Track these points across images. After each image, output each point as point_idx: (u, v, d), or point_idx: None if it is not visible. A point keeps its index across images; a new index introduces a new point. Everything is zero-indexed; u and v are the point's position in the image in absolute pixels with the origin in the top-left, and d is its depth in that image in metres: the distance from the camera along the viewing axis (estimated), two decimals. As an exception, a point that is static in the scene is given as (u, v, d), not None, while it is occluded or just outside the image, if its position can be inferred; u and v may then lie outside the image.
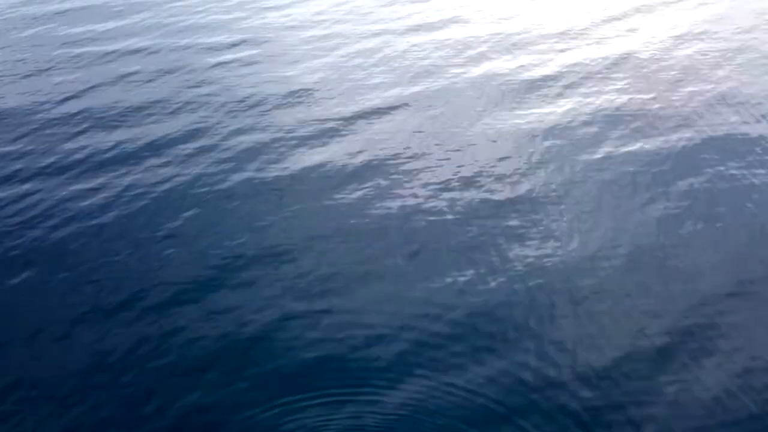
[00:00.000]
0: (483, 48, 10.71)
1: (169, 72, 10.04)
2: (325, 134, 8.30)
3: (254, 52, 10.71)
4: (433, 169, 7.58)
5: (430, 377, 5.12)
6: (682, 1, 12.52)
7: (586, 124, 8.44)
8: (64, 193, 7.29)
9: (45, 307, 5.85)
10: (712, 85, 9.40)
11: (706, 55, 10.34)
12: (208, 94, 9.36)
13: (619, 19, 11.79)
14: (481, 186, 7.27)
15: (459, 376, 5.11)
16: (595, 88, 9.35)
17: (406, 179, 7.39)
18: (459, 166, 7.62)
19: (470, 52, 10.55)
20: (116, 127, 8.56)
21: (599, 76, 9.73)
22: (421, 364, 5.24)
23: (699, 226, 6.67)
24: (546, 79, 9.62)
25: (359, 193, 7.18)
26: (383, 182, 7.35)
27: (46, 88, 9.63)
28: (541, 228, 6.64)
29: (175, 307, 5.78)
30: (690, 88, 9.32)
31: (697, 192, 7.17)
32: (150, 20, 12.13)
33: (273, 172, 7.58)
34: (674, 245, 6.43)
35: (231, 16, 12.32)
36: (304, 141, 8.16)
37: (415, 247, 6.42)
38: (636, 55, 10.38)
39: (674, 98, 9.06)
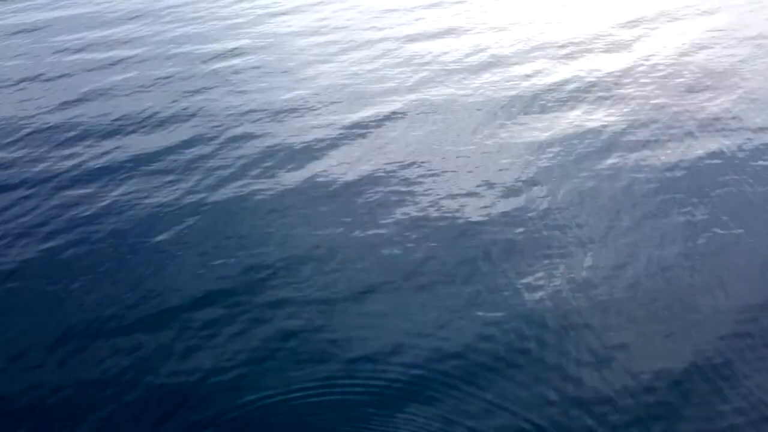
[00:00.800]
0: (487, 56, 10.58)
1: (165, 80, 9.92)
2: (325, 144, 8.12)
3: (253, 59, 10.60)
4: (436, 179, 7.37)
5: (436, 397, 4.89)
6: (691, 9, 12.45)
7: (596, 132, 8.24)
8: (55, 202, 7.10)
9: (31, 320, 5.63)
10: (727, 92, 9.23)
11: (722, 61, 10.19)
12: (204, 103, 9.20)
13: (628, 26, 11.68)
14: (487, 197, 7.06)
15: (467, 398, 4.87)
16: (606, 96, 9.17)
17: (408, 191, 7.18)
18: (464, 177, 7.42)
19: (475, 60, 10.42)
20: (111, 136, 8.40)
21: (610, 83, 9.57)
22: (428, 383, 5.01)
23: (720, 236, 6.42)
24: (553, 88, 9.44)
25: (360, 205, 6.97)
26: (385, 194, 7.14)
27: (39, 96, 9.49)
28: (551, 240, 6.40)
29: (168, 321, 5.57)
30: (705, 95, 9.15)
31: (716, 200, 6.93)
32: (147, 28, 12.05)
33: (272, 182, 7.39)
34: (694, 255, 6.18)
35: (230, 23, 12.25)
36: (303, 151, 7.97)
37: (418, 260, 6.18)
38: (648, 62, 10.22)
39: (689, 105, 8.88)
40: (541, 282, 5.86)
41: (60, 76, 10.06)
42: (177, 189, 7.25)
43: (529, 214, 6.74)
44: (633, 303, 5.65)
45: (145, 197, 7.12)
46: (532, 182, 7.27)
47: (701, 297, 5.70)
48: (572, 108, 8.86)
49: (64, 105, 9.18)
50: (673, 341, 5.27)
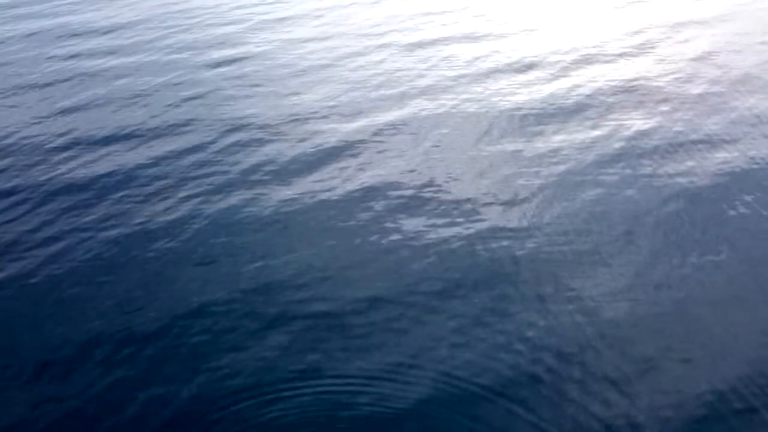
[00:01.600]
0: (492, 63, 10.42)
1: (161, 88, 9.79)
2: (327, 153, 7.90)
3: (252, 67, 10.49)
4: (441, 190, 7.13)
5: (448, 414, 4.63)
6: (708, 14, 12.40)
7: (606, 146, 7.94)
8: (46, 212, 6.91)
9: (20, 333, 5.41)
10: (747, 99, 9.03)
11: (739, 67, 10.04)
12: (201, 111, 9.04)
13: (642, 33, 11.60)
14: (495, 207, 6.79)
15: (483, 415, 4.60)
16: (616, 109, 8.91)
17: (412, 201, 6.95)
18: (470, 187, 7.17)
19: (478, 68, 10.27)
20: (104, 145, 8.22)
21: (621, 95, 9.32)
22: (439, 400, 4.73)
23: (739, 250, 6.12)
24: (562, 96, 9.24)
25: (362, 215, 6.74)
26: (388, 204, 6.91)
27: (30, 105, 9.38)
28: (562, 253, 6.12)
29: (164, 334, 5.34)
30: (722, 102, 8.98)
31: (736, 211, 6.67)
32: (141, 35, 11.99)
33: (271, 191, 7.17)
34: (711, 271, 5.89)
35: (227, 31, 12.21)
36: (305, 160, 7.76)
37: (424, 272, 5.92)
38: (664, 69, 10.07)
39: (705, 113, 8.67)
40: (553, 297, 5.60)
41: (53, 85, 9.97)
42: (173, 199, 7.07)
43: (539, 226, 6.50)
44: (651, 321, 5.35)
45: (139, 208, 6.93)
46: (541, 193, 7.03)
47: (723, 316, 5.40)
48: (582, 117, 8.65)
49: (57, 114, 9.05)
50: (694, 362, 4.99)
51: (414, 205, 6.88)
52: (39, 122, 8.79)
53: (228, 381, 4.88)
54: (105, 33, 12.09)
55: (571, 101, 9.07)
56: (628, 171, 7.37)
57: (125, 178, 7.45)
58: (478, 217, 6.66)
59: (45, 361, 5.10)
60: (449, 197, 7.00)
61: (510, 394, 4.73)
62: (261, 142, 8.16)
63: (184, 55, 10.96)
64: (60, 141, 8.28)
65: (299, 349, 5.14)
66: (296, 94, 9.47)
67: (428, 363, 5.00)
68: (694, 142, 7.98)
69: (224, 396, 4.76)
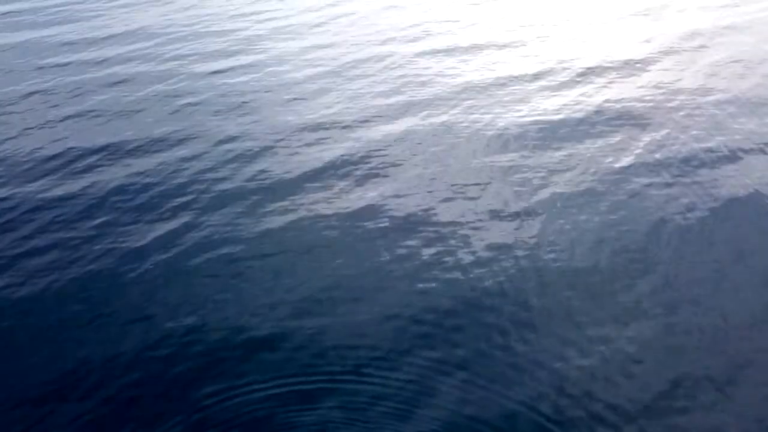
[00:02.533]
0: (498, 74, 10.35)
1: (154, 100, 9.70)
2: (324, 168, 7.76)
3: (247, 79, 10.41)
4: (444, 207, 6.97)
5: None
6: (719, 27, 12.31)
7: (617, 159, 7.81)
8: (33, 228, 6.78)
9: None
10: (763, 112, 8.92)
11: (753, 81, 9.93)
12: (199, 123, 8.95)
13: (652, 46, 11.54)
14: (500, 228, 6.61)
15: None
16: (628, 120, 8.80)
17: (414, 220, 6.79)
18: (473, 205, 6.99)
19: (483, 79, 10.19)
20: (94, 158, 8.09)
21: (635, 108, 9.18)
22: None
23: (759, 273, 5.92)
24: (565, 112, 9.07)
25: (362, 235, 6.58)
26: (389, 223, 6.75)
27: (22, 116, 9.30)
28: (570, 276, 5.93)
29: (161, 351, 5.19)
30: (738, 116, 8.84)
31: (757, 235, 6.44)
32: (132, 47, 11.93)
33: (267, 209, 7.00)
34: (730, 301, 5.66)
35: (225, 42, 12.15)
36: (301, 176, 7.60)
37: (429, 298, 5.73)
38: (673, 84, 9.94)
39: (721, 129, 8.53)
40: (566, 315, 5.44)
41: (43, 95, 9.91)
42: (165, 213, 6.95)
43: (548, 242, 6.35)
44: (670, 342, 5.16)
45: (131, 221, 6.81)
46: (549, 207, 6.90)
47: (748, 335, 5.19)
48: (591, 128, 8.55)
49: (46, 125, 8.97)
50: (716, 384, 4.78)
51: (417, 219, 6.76)
52: (28, 133, 8.70)
53: (223, 401, 4.74)
54: (95, 43, 12.08)
55: (578, 113, 8.98)
56: (642, 183, 7.26)
57: (116, 191, 7.33)
58: (485, 232, 6.53)
59: (31, 384, 4.94)
60: (454, 210, 6.89)
61: (529, 413, 4.59)
62: (257, 154, 8.06)
63: (178, 66, 10.90)
64: (48, 152, 8.18)
65: (294, 371, 5.01)
66: (293, 105, 9.40)
67: (438, 384, 4.84)
68: (710, 153, 7.86)
69: (217, 419, 4.62)
